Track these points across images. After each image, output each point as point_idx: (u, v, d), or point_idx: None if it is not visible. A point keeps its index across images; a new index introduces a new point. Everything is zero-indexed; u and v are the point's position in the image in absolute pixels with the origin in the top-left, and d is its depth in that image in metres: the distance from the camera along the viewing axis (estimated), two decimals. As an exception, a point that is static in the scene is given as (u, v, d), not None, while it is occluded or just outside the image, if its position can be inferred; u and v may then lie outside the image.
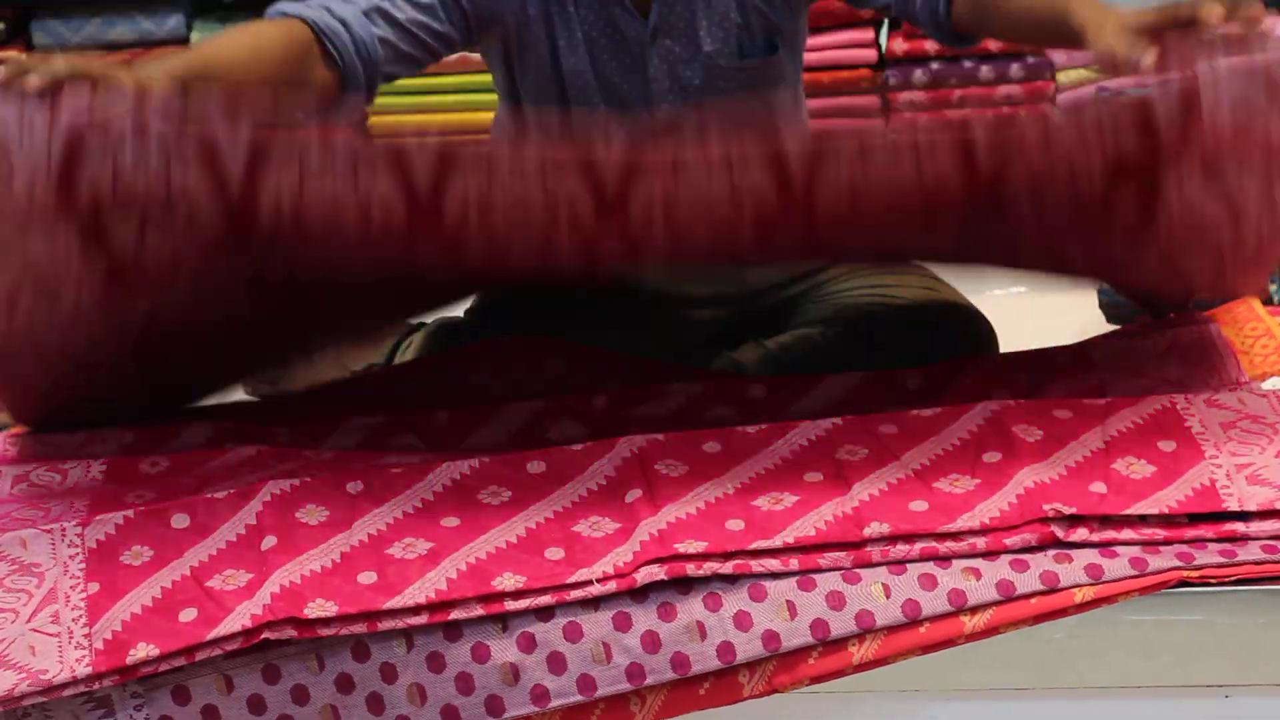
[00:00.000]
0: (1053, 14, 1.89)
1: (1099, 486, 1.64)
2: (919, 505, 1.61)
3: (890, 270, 2.38)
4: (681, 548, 1.55)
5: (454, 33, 2.09)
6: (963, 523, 1.59)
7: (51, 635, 1.53)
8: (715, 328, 2.35)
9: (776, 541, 1.56)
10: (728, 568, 1.54)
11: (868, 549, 1.57)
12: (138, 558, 1.60)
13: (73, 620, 1.54)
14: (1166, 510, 1.60)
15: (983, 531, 1.58)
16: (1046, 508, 1.59)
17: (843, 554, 1.57)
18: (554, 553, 1.57)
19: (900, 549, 1.57)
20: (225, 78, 1.79)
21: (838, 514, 1.60)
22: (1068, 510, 1.59)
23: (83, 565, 1.60)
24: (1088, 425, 1.72)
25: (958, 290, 2.33)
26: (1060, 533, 1.58)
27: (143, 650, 1.50)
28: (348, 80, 1.97)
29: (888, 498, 1.63)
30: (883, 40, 3.16)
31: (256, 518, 1.62)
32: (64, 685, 1.50)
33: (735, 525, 1.59)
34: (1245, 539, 1.58)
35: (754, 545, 1.56)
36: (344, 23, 1.95)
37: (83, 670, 1.50)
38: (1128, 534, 1.59)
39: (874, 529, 1.58)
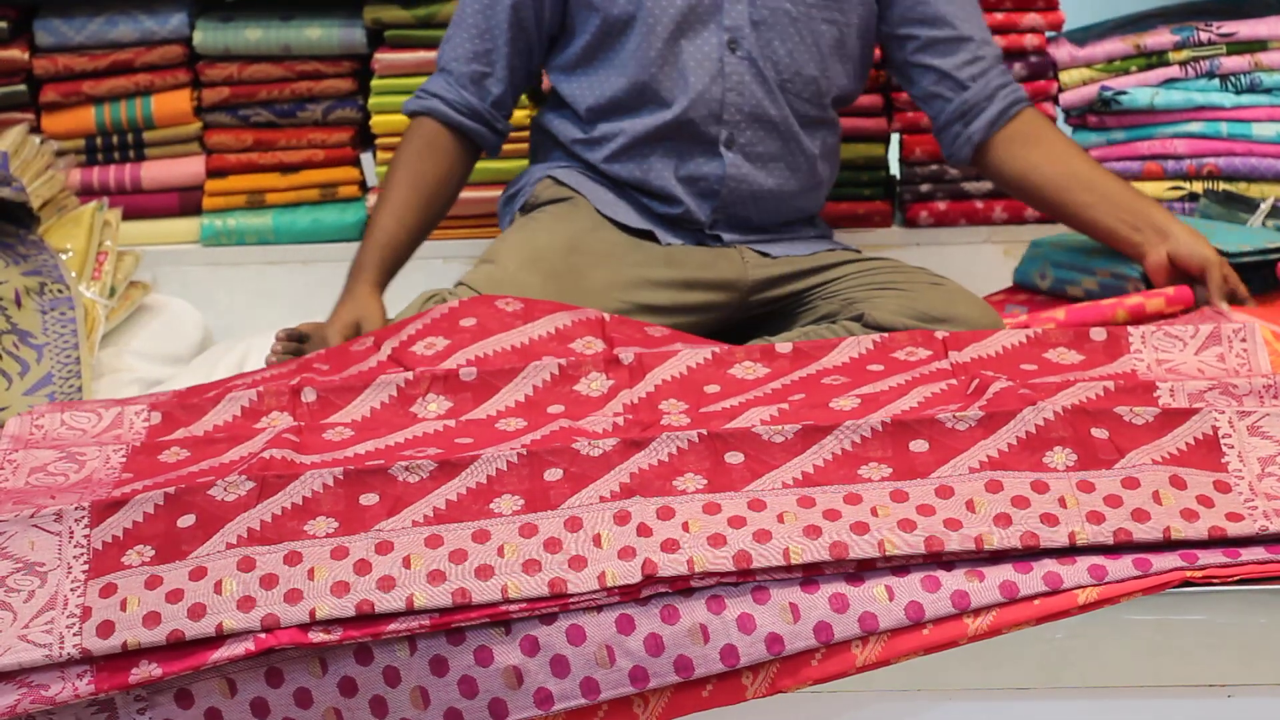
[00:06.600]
0: (1132, 207, 2.33)
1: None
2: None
3: (898, 268, 2.38)
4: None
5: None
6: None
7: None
8: (720, 312, 2.36)
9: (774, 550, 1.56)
10: (728, 563, 1.54)
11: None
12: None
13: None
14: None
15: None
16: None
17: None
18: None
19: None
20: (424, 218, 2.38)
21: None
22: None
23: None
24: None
25: (963, 287, 2.33)
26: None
27: (144, 669, 1.51)
28: (476, 141, 2.43)
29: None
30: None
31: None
32: (65, 703, 1.52)
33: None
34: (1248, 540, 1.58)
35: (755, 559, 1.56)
36: (443, 98, 2.39)
37: (85, 688, 1.51)
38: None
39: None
